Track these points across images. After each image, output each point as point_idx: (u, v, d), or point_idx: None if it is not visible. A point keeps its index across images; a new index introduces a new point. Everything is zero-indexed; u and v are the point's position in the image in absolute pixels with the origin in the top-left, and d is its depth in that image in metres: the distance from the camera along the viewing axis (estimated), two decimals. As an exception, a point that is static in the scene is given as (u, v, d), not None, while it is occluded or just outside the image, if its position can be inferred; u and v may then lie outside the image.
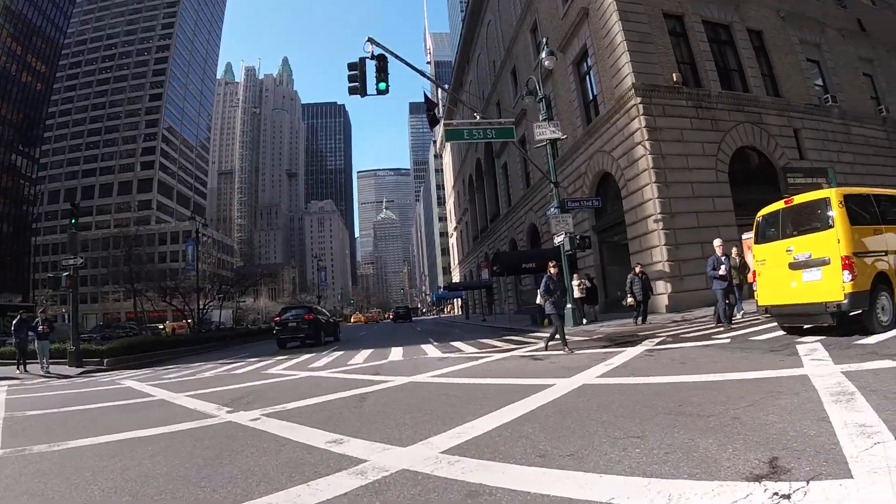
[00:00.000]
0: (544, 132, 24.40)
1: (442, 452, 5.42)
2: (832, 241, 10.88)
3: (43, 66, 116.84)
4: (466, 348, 19.56)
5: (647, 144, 25.78)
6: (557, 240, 23.91)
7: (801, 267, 11.57)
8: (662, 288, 24.99)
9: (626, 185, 27.74)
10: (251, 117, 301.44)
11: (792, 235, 12.04)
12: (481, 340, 22.98)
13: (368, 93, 19.78)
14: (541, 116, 25.11)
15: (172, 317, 67.58)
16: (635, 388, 8.24)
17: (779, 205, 12.79)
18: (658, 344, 13.84)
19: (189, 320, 57.63)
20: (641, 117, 26.08)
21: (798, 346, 10.30)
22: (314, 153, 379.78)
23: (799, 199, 12.33)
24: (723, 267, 15.93)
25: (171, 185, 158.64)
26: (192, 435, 7.66)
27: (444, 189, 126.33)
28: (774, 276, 12.34)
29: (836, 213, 10.97)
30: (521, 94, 32.46)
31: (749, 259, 18.36)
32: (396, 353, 19.64)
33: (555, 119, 27.15)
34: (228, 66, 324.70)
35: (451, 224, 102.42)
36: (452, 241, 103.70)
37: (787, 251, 11.86)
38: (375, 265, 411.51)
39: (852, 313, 10.82)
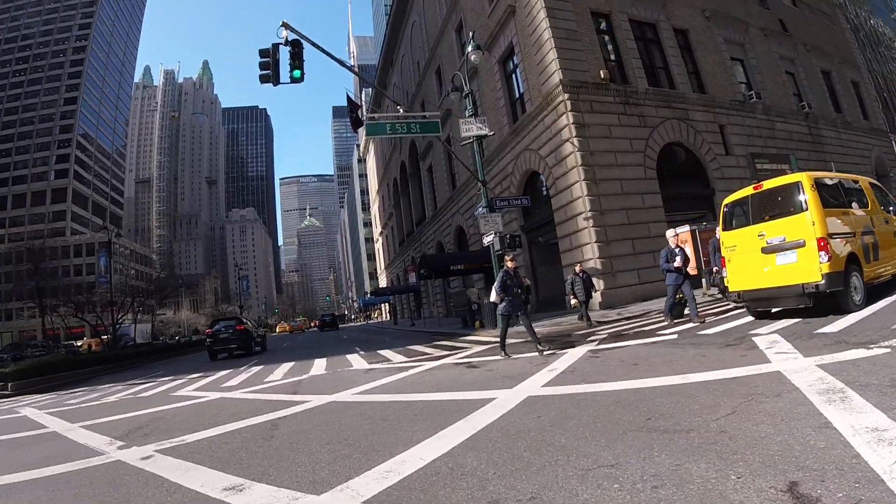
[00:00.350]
0: (471, 129, 23.59)
1: (365, 502, 4.35)
2: (806, 224, 10.96)
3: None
4: (395, 357, 18.27)
5: (576, 141, 25.27)
6: (487, 240, 23.15)
7: (774, 251, 11.59)
8: (595, 285, 24.49)
9: (555, 184, 27.18)
10: (170, 122, 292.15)
11: (763, 220, 11.98)
12: (411, 347, 21.67)
13: (282, 81, 18.36)
14: (467, 113, 24.40)
15: (91, 333, 64.65)
16: (591, 398, 7.12)
17: (747, 191, 12.82)
18: (601, 344, 13.08)
19: (103, 337, 55.00)
20: (569, 114, 25.58)
21: (756, 339, 9.71)
22: (235, 159, 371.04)
23: (769, 184, 12.37)
24: (677, 258, 14.72)
25: (87, 194, 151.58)
26: (71, 481, 6.34)
27: (368, 194, 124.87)
28: (746, 261, 12.30)
29: (809, 196, 11.10)
30: (446, 92, 31.71)
31: (688, 251, 18.19)
32: (319, 366, 18.18)
33: (481, 115, 26.45)
34: (147, 70, 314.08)
35: (377, 229, 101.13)
36: (378, 245, 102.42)
37: (759, 236, 11.88)
38: (300, 273, 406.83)
39: (830, 291, 10.76)
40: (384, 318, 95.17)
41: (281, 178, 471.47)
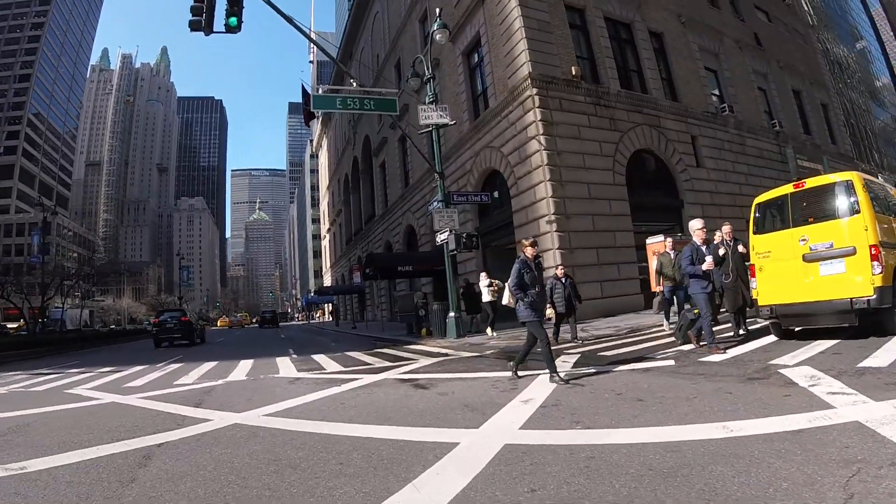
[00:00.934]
0: (430, 116, 21.48)
1: None
2: (858, 229, 9.02)
3: None
4: (329, 364, 15.60)
5: (542, 139, 23.22)
6: (441, 237, 20.99)
7: (818, 259, 9.69)
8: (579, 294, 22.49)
9: (517, 183, 25.06)
10: (124, 106, 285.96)
11: (806, 223, 10.03)
12: (349, 354, 18.96)
13: (214, 30, 15.65)
14: (427, 100, 22.28)
15: (29, 316, 61.49)
16: (604, 458, 4.64)
17: (785, 189, 10.87)
18: (579, 366, 10.54)
19: (23, 320, 52.99)
20: (537, 109, 23.55)
21: (786, 373, 7.54)
22: (187, 148, 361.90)
23: (812, 182, 10.48)
24: (707, 259, 10.29)
25: (34, 172, 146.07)
26: None
27: (318, 190, 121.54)
28: (782, 270, 10.32)
29: (861, 197, 9.25)
30: (405, 79, 29.47)
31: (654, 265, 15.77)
32: (242, 369, 15.49)
33: (441, 103, 24.22)
34: (105, 52, 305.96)
35: (325, 226, 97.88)
36: (325, 243, 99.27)
37: (800, 241, 9.91)
38: (246, 267, 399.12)
39: (878, 308, 9.06)
40: (326, 319, 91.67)
41: (233, 170, 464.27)
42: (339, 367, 14.75)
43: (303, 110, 60.88)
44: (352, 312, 68.47)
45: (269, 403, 9.17)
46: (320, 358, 18.07)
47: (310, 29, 71.99)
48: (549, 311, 14.65)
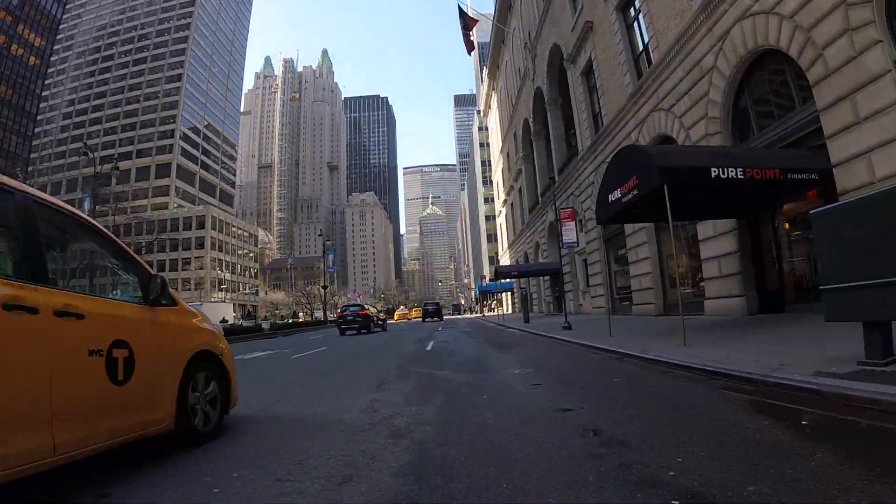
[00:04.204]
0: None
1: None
2: None
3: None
4: None
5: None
6: None
7: None
8: None
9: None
10: (290, 109, 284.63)
11: None
12: None
13: None
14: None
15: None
16: None
17: None
18: None
19: None
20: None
21: None
22: (357, 147, 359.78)
23: None
24: None
25: (193, 170, 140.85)
26: None
27: (489, 165, 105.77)
28: None
29: None
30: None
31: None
32: None
33: None
34: (267, 60, 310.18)
35: (499, 200, 79.13)
36: (501, 220, 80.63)
37: None
38: (421, 261, 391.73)
39: None
40: (506, 311, 71.51)
41: (404, 168, 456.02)
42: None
43: (463, 36, 51.47)
44: (541, 303, 49.81)
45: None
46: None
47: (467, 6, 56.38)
48: None
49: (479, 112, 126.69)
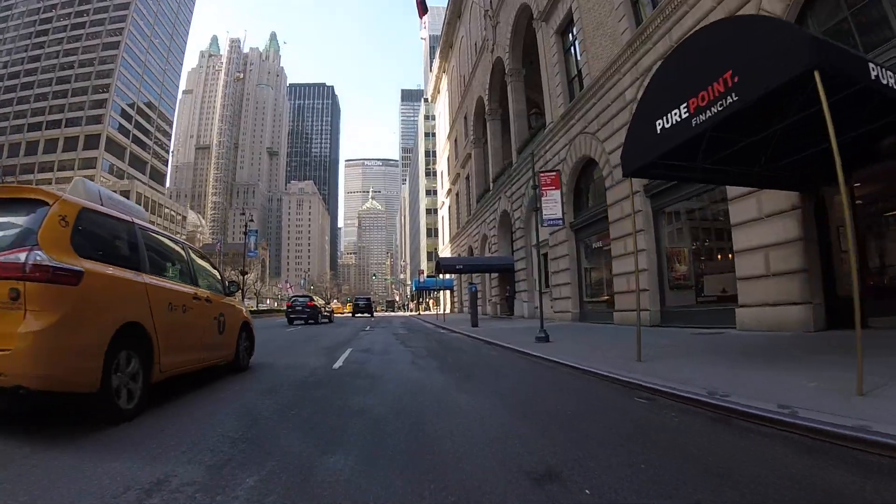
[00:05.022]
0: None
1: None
2: None
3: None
4: None
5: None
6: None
7: None
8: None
9: None
10: (233, 90, 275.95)
11: None
12: None
13: None
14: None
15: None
16: None
17: None
18: None
19: None
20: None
21: None
22: (299, 135, 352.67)
23: None
24: None
25: (124, 144, 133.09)
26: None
27: (433, 156, 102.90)
28: None
29: None
30: None
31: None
32: None
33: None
34: (214, 39, 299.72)
35: (443, 190, 74.88)
36: (443, 212, 76.02)
37: None
38: (358, 255, 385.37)
39: None
40: (443, 311, 64.39)
41: (346, 160, 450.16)
42: None
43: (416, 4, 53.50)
44: (493, 304, 44.79)
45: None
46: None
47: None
48: None
49: (426, 100, 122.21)
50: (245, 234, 66.87)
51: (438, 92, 79.56)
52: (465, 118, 54.04)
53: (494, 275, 41.75)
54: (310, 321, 37.95)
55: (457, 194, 61.17)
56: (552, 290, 27.40)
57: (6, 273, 4.85)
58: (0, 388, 4.72)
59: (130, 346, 5.92)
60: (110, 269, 5.87)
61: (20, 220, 5.34)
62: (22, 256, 4.91)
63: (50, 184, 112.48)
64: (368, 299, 69.26)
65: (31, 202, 5.49)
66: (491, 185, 41.89)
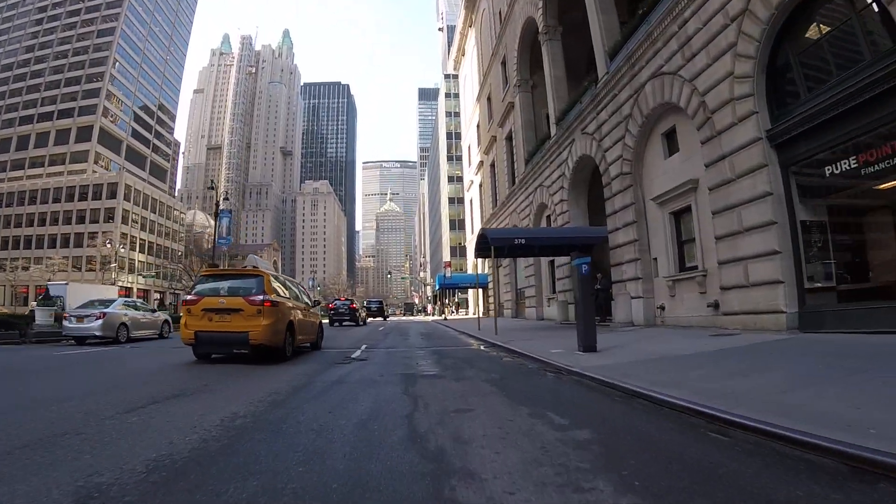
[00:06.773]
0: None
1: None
2: None
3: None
4: None
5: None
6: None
7: None
8: None
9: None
10: (245, 88, 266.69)
11: None
12: None
13: None
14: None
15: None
16: None
17: None
18: None
19: None
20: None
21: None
22: (313, 135, 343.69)
23: None
24: None
25: (120, 136, 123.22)
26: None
27: (454, 138, 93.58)
28: None
29: None
30: None
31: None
32: None
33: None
34: (225, 37, 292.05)
35: (471, 168, 63.45)
36: (472, 193, 63.41)
37: None
38: (377, 258, 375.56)
39: None
40: (473, 314, 50.40)
41: (363, 162, 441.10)
42: None
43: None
44: (554, 301, 31.87)
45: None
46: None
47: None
48: None
49: (447, 76, 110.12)
50: (216, 215, 50.25)
51: (463, 54, 67.65)
52: (504, 64, 41.70)
53: (560, 260, 28.45)
54: (350, 322, 41.88)
55: (492, 164, 48.27)
56: (712, 272, 14.79)
57: (256, 303, 12.69)
58: (253, 344, 12.56)
59: (289, 330, 13.84)
60: (281, 299, 13.89)
61: (254, 281, 13.43)
62: (259, 298, 12.81)
63: (41, 178, 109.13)
64: (380, 302, 70.77)
65: (256, 275, 13.84)
66: (552, 129, 29.07)
